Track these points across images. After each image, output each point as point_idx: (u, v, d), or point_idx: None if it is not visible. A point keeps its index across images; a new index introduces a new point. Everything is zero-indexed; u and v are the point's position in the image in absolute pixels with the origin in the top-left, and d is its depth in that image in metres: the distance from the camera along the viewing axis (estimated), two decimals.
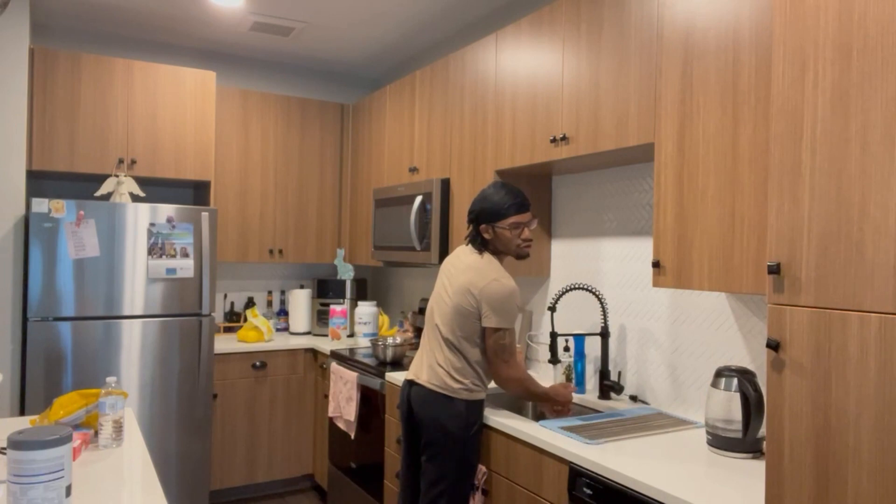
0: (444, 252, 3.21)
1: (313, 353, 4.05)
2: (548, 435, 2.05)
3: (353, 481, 3.38)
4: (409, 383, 2.41)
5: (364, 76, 4.93)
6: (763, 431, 1.91)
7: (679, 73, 1.99)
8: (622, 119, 2.21)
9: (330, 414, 3.49)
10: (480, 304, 2.25)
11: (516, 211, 2.32)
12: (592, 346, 2.77)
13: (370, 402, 3.19)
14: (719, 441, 1.91)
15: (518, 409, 2.82)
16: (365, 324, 3.86)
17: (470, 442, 2.26)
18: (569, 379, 2.81)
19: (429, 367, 2.34)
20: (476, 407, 2.29)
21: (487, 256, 2.35)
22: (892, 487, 1.16)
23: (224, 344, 3.90)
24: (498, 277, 2.26)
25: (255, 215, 4.21)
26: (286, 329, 4.51)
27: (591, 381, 2.77)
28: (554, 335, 2.49)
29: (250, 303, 4.43)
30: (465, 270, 2.32)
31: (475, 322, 2.27)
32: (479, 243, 2.37)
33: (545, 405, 2.40)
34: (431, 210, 3.21)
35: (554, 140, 2.50)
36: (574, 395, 2.65)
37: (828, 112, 1.29)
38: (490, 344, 2.26)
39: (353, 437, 3.33)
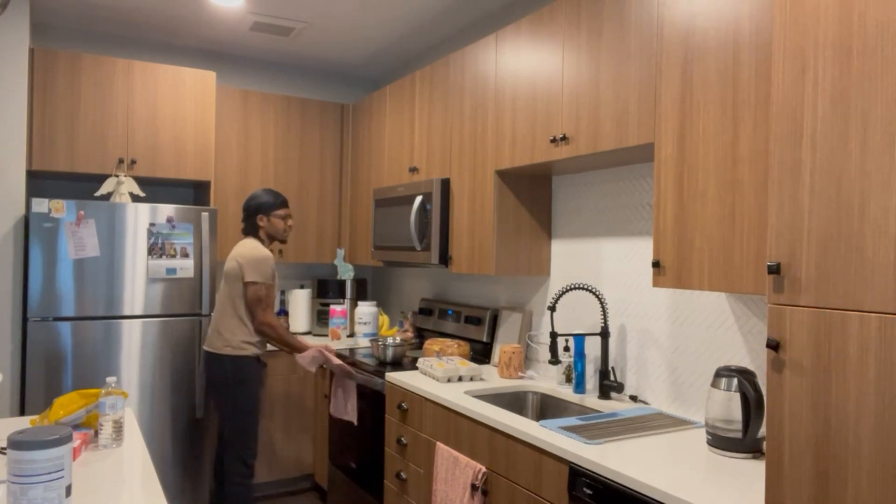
0: (444, 252, 3.21)
1: None
2: (548, 435, 2.06)
3: (353, 481, 3.38)
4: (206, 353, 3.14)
5: (364, 76, 4.93)
6: (763, 431, 1.91)
7: (679, 73, 1.99)
8: (622, 119, 2.21)
9: (331, 412, 3.49)
10: (243, 267, 3.03)
11: (282, 205, 3.22)
12: (592, 346, 2.77)
13: (370, 402, 3.19)
14: (719, 441, 1.91)
15: (518, 409, 2.82)
16: (365, 324, 3.87)
17: (240, 388, 3.05)
18: (569, 379, 2.81)
19: (214, 334, 3.10)
20: (242, 361, 3.04)
21: (253, 240, 3.15)
22: (893, 487, 1.16)
23: None
24: (255, 247, 3.08)
25: None
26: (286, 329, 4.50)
27: (591, 381, 2.77)
28: (554, 335, 2.50)
29: None
30: (234, 255, 3.10)
31: (240, 284, 3.05)
32: (251, 229, 3.19)
33: (298, 357, 3.15)
34: (431, 210, 3.21)
35: (554, 140, 2.50)
36: (574, 394, 2.65)
37: (828, 112, 1.29)
38: (250, 295, 3.04)
39: (353, 435, 3.33)
